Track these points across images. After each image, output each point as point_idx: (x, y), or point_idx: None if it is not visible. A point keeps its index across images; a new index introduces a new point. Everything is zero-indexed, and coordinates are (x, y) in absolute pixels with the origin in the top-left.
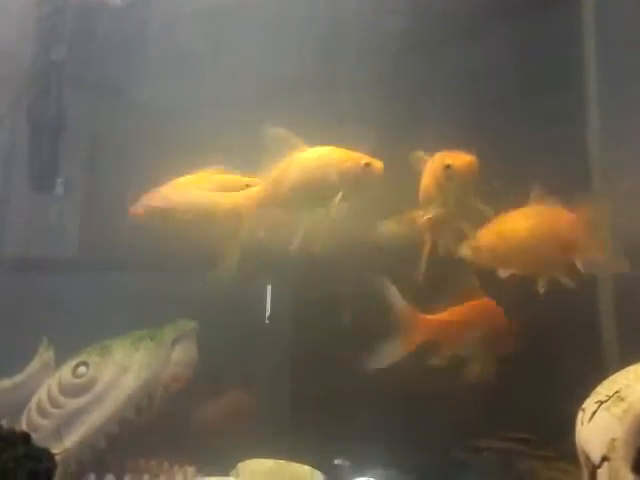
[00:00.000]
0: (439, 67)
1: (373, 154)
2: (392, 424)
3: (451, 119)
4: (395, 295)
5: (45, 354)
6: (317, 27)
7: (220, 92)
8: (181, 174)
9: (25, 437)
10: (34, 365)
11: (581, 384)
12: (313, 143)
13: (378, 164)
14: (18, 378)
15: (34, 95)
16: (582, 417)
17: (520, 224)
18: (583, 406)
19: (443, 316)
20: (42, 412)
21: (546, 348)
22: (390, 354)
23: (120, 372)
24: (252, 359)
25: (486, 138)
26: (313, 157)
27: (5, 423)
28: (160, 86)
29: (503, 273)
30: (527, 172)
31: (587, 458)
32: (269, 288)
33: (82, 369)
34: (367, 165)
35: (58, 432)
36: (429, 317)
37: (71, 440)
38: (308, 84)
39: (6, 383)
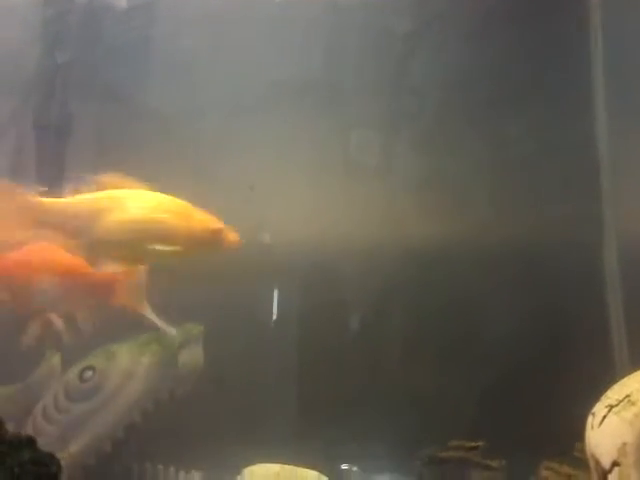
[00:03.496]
0: (441, 68)
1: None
2: (394, 424)
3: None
4: None
5: (52, 359)
6: (320, 30)
7: (224, 96)
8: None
9: (30, 442)
10: (41, 370)
11: (591, 388)
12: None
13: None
14: (25, 383)
15: (39, 98)
16: (592, 421)
17: None
18: (593, 410)
19: None
20: (48, 417)
21: (555, 351)
22: None
23: (126, 377)
24: (258, 363)
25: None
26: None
27: (11, 428)
28: (164, 89)
29: None
30: None
31: (597, 463)
32: (275, 292)
33: (88, 374)
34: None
35: (63, 436)
36: None
37: (77, 445)
38: (312, 87)
39: (13, 388)
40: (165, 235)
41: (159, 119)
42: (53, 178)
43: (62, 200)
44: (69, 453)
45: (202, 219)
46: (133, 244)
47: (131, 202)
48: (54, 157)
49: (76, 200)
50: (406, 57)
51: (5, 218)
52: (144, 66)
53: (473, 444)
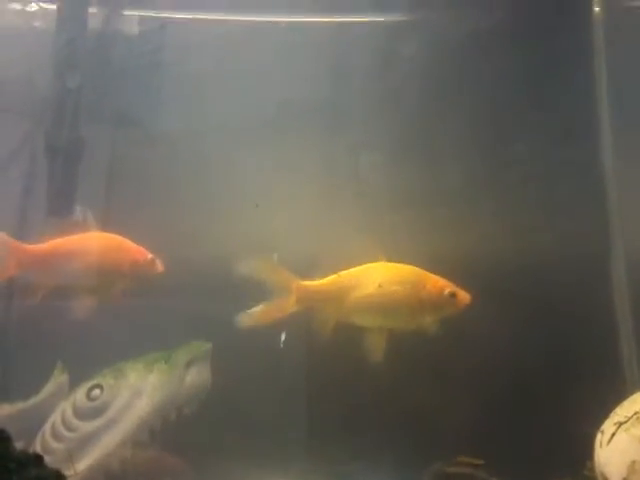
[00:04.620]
0: (448, 91)
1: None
2: (401, 441)
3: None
4: None
5: (60, 377)
6: (328, 52)
7: (235, 118)
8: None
9: (37, 459)
10: (49, 388)
11: (601, 404)
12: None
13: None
14: (33, 401)
15: (51, 123)
16: (601, 439)
17: None
18: (602, 428)
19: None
20: (56, 435)
21: (564, 367)
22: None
23: (134, 395)
24: (266, 382)
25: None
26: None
27: (19, 446)
28: (173, 113)
29: None
30: None
31: None
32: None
33: (96, 392)
34: (452, 296)
35: (70, 455)
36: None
37: (85, 464)
38: (320, 108)
39: (21, 406)
40: (396, 307)
41: (168, 142)
42: (64, 201)
43: (320, 282)
44: (77, 471)
45: (435, 285)
46: (372, 315)
47: (371, 277)
48: (65, 181)
49: (331, 280)
50: (411, 78)
51: (282, 298)
52: (155, 90)
53: (479, 461)
